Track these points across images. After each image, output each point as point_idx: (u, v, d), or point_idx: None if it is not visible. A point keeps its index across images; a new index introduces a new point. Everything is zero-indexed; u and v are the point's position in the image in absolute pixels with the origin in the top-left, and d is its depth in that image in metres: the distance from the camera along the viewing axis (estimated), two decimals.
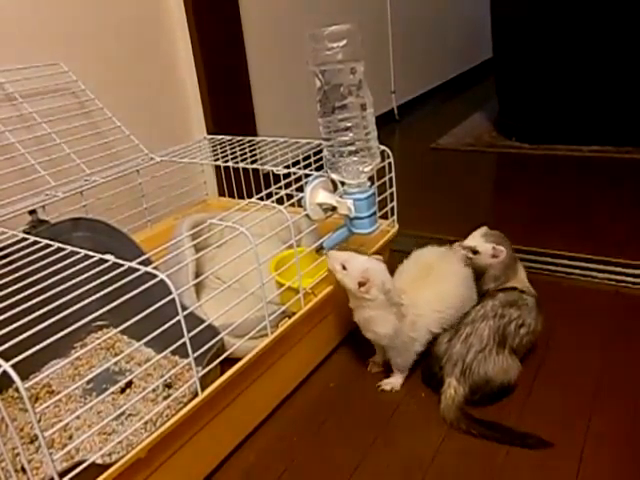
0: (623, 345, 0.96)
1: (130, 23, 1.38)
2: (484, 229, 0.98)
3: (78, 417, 0.85)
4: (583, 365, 0.93)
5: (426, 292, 0.89)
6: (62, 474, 0.58)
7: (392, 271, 0.92)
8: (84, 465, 0.59)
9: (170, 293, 0.67)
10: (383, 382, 0.93)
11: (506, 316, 0.86)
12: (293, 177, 1.07)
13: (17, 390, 0.89)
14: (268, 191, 1.01)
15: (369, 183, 0.90)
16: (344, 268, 0.84)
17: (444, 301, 0.89)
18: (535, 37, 1.96)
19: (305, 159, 1.15)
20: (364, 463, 0.79)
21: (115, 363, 0.98)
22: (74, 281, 0.70)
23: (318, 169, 1.00)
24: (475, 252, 0.95)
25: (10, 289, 0.71)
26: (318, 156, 1.05)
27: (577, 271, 1.19)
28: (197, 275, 1.05)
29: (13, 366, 0.54)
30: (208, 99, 1.56)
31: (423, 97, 2.88)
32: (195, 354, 0.71)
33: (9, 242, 0.86)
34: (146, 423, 0.82)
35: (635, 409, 0.83)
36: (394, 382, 0.92)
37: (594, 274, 1.18)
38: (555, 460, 0.76)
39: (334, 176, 0.90)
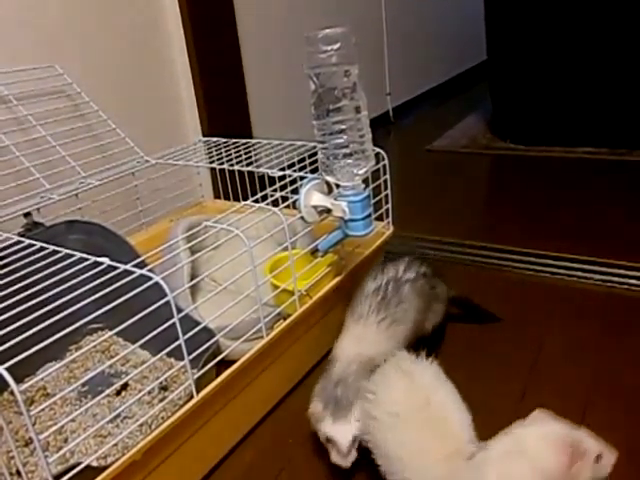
0: (616, 346, 0.97)
1: (126, 25, 1.38)
2: None
3: (73, 420, 0.85)
4: (576, 365, 0.93)
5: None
6: (57, 477, 0.57)
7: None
8: (79, 468, 0.59)
9: (165, 295, 0.67)
10: None
11: None
12: (288, 179, 1.07)
13: (12, 393, 0.88)
14: (263, 193, 1.01)
15: (363, 185, 0.90)
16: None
17: None
18: (529, 39, 1.97)
19: (300, 161, 1.15)
20: (360, 463, 0.79)
21: (110, 365, 0.98)
22: (69, 284, 0.70)
23: (313, 171, 1.01)
24: None
25: (4, 292, 0.70)
26: (313, 158, 1.05)
27: (571, 272, 1.20)
28: (192, 277, 1.05)
29: (8, 369, 0.54)
30: (203, 101, 1.56)
31: (418, 99, 2.89)
32: (190, 356, 0.71)
33: (4, 245, 0.86)
34: (142, 425, 0.81)
35: (628, 408, 0.83)
36: None
37: (588, 275, 1.18)
38: None
39: (329, 178, 0.90)
